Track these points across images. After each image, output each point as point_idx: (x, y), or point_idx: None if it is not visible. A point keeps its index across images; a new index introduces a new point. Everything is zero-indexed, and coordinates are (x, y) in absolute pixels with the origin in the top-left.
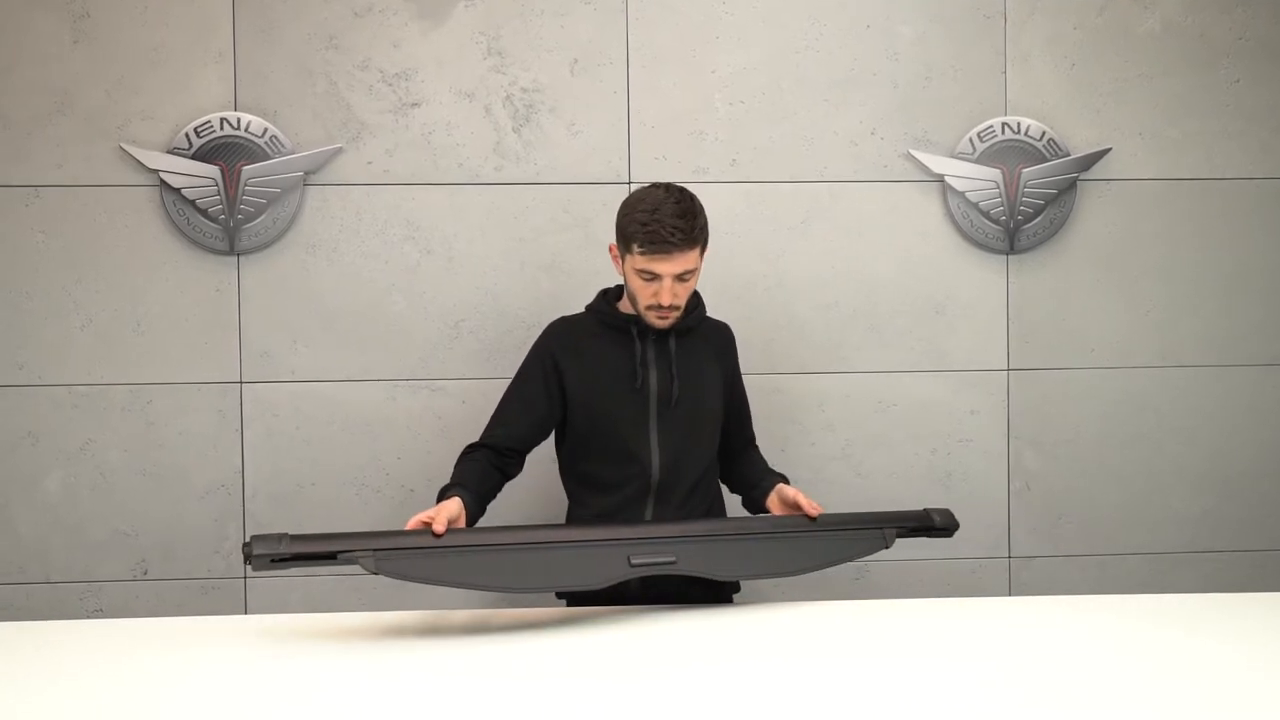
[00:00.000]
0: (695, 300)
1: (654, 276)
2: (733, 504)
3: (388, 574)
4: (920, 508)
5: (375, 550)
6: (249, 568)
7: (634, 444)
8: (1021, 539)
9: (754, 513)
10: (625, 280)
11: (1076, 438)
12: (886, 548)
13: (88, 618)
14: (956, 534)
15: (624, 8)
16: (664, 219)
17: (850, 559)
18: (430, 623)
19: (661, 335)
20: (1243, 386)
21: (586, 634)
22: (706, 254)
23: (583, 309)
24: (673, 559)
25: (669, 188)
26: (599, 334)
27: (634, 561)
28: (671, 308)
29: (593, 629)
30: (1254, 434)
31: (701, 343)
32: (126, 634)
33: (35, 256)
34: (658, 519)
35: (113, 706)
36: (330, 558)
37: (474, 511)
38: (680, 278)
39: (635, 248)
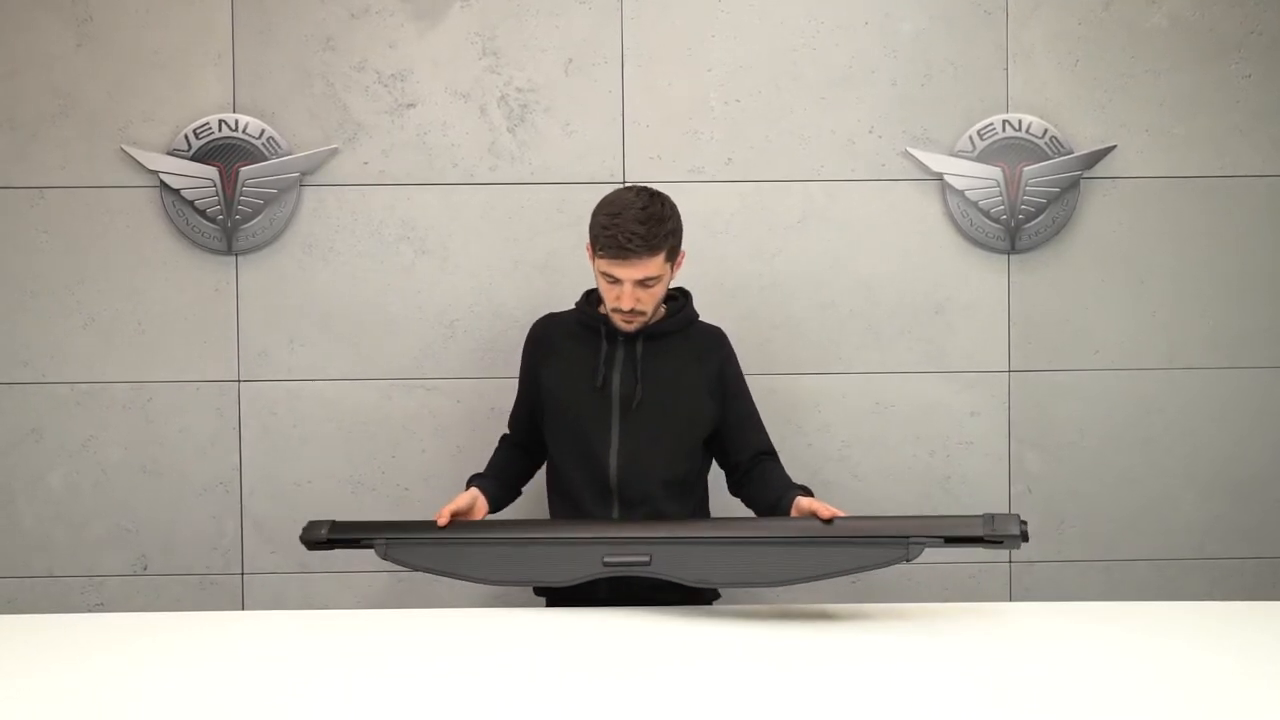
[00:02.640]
0: (681, 304)
1: (615, 280)
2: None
3: (393, 560)
4: (980, 513)
5: (388, 539)
6: (303, 547)
7: (595, 444)
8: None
9: None
10: (596, 280)
11: (1080, 440)
12: (907, 561)
13: (89, 612)
14: None
15: (619, 7)
16: (624, 224)
17: (854, 571)
18: (420, 620)
19: (630, 337)
20: (1252, 389)
21: (581, 634)
22: (695, 255)
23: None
24: (646, 560)
25: (640, 191)
26: (575, 333)
27: (607, 561)
28: (634, 312)
29: (588, 629)
30: (1264, 437)
31: (680, 346)
32: (126, 628)
33: (39, 256)
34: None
35: (112, 699)
36: (356, 543)
37: (498, 495)
38: (643, 283)
39: (597, 250)
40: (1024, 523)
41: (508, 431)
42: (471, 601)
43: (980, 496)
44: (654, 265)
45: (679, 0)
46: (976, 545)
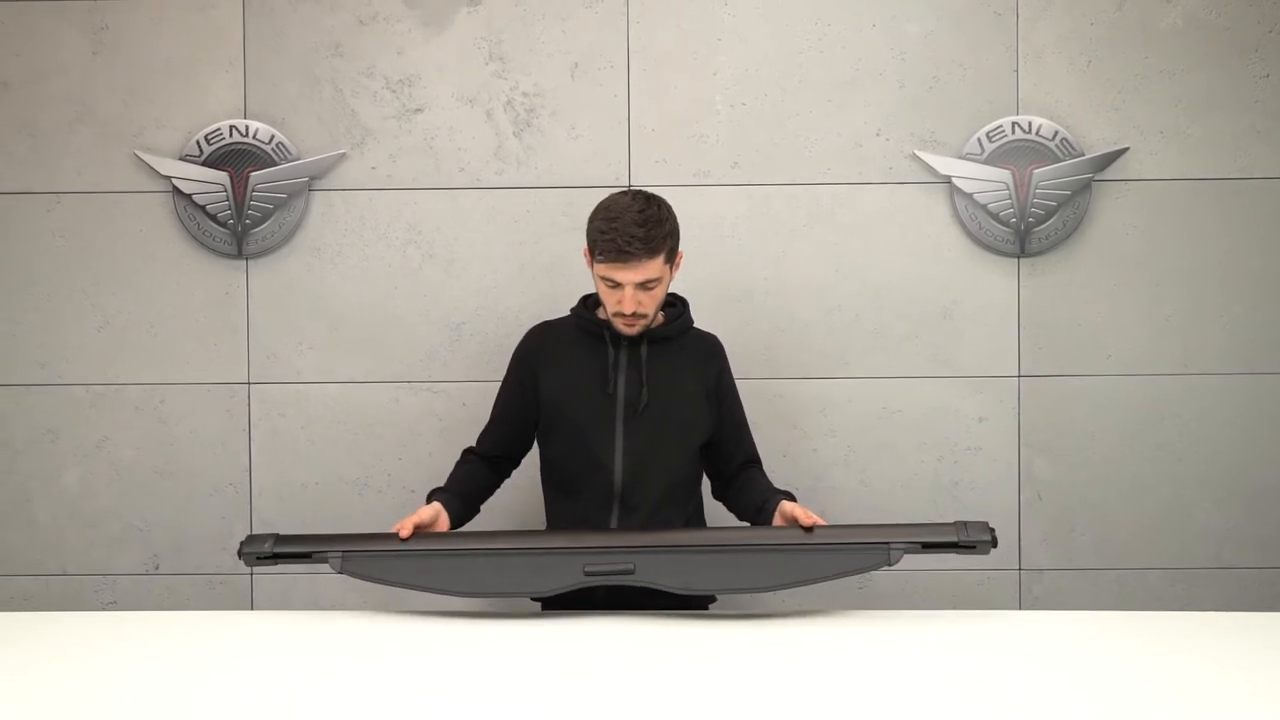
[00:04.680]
0: (679, 310)
1: (616, 284)
2: (721, 520)
3: (350, 574)
4: (951, 520)
5: (344, 551)
6: (242, 562)
7: (599, 449)
8: (1032, 551)
9: None
10: (596, 285)
11: (1092, 447)
12: (889, 565)
13: (101, 610)
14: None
15: (625, 11)
16: (622, 228)
17: (839, 576)
18: (425, 622)
19: (634, 341)
20: (1269, 395)
21: (579, 639)
22: (700, 259)
23: (568, 312)
24: (630, 568)
25: (636, 195)
26: (575, 339)
27: (588, 570)
28: (635, 315)
29: (586, 634)
30: None
31: (680, 352)
32: (137, 626)
33: (54, 260)
34: (623, 528)
35: (122, 696)
36: (306, 557)
37: (460, 511)
38: (643, 286)
39: (596, 255)
40: (992, 530)
41: (473, 445)
42: (473, 606)
43: (989, 503)
44: (654, 267)
45: (685, 4)
46: (950, 551)
